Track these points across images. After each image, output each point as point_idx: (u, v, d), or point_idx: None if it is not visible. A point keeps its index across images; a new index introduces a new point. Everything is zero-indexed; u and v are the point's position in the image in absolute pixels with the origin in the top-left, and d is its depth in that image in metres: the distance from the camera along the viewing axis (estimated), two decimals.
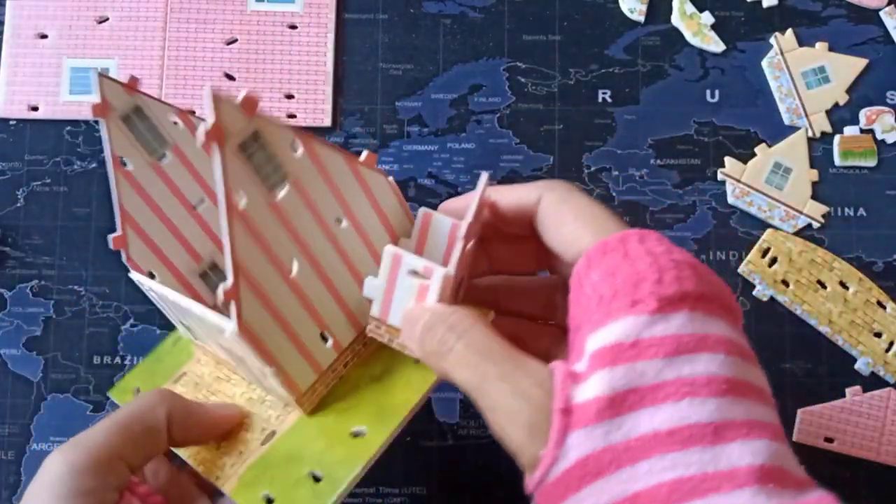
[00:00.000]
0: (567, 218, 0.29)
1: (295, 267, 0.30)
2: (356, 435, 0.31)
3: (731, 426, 0.24)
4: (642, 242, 0.27)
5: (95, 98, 0.32)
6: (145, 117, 0.34)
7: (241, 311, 0.28)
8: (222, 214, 0.27)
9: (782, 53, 0.49)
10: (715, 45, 0.49)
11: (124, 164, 0.34)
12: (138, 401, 0.32)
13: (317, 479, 0.31)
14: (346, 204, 0.31)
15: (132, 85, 0.34)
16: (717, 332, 0.25)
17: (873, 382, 0.47)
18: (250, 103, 0.27)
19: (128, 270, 0.36)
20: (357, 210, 0.32)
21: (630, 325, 0.25)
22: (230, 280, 0.28)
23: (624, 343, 0.25)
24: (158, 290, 0.34)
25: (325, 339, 0.32)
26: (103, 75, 0.33)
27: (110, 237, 0.34)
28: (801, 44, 0.49)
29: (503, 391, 0.26)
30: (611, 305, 0.25)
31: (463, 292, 0.33)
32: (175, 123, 0.36)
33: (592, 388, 0.24)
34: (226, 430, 0.34)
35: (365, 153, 0.32)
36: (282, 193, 0.29)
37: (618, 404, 0.24)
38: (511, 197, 0.31)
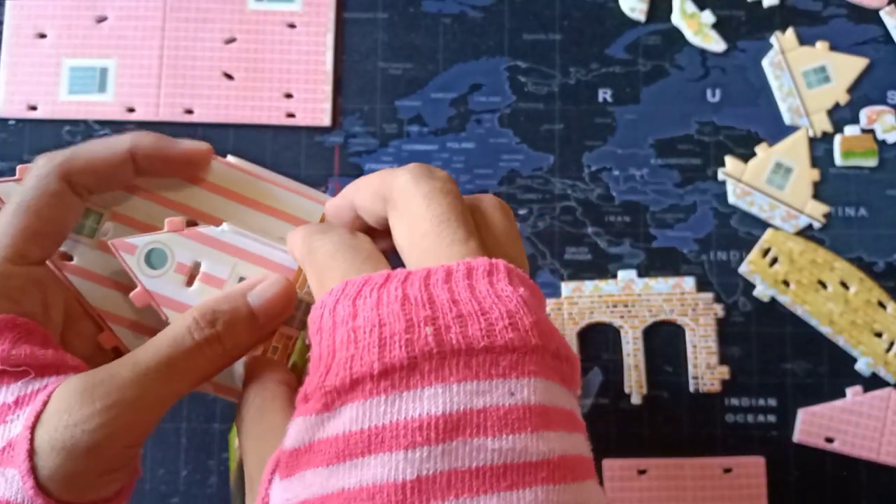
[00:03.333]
0: (402, 231, 0.25)
1: None
2: None
3: None
4: (337, 305, 0.22)
5: None
6: None
7: (126, 348, 0.29)
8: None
9: (783, 53, 0.49)
10: (716, 44, 0.49)
11: (70, 259, 0.31)
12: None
13: None
14: (175, 204, 0.31)
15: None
16: (412, 416, 0.19)
17: (874, 382, 0.47)
18: (25, 173, 0.28)
19: None
20: (198, 202, 0.31)
21: (301, 427, 0.21)
22: (105, 331, 0.29)
23: (301, 448, 0.21)
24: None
25: None
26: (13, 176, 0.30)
27: (100, 338, 0.31)
28: (801, 43, 0.49)
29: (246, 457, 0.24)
30: (298, 398, 0.22)
31: None
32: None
33: (276, 497, 0.21)
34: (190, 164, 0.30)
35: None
36: (107, 233, 0.30)
37: None
38: (364, 201, 0.27)
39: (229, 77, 0.48)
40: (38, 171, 0.28)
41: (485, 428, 0.19)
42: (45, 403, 0.25)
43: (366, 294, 0.22)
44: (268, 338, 0.29)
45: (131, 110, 0.48)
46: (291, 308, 0.29)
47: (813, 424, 0.46)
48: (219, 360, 0.27)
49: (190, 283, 0.29)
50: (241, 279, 0.29)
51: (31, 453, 0.24)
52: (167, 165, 0.30)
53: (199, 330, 0.26)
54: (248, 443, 0.25)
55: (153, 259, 0.29)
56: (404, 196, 0.24)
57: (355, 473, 0.19)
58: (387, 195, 0.25)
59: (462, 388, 0.20)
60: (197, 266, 0.29)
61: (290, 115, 0.48)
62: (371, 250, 0.25)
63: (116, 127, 0.48)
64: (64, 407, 0.24)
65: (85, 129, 0.48)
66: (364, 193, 0.27)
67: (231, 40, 0.49)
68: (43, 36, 0.49)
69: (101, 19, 0.49)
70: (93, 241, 0.31)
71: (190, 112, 0.48)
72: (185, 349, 0.26)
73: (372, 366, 0.20)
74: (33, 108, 0.48)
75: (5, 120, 0.48)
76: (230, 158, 0.32)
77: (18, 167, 0.30)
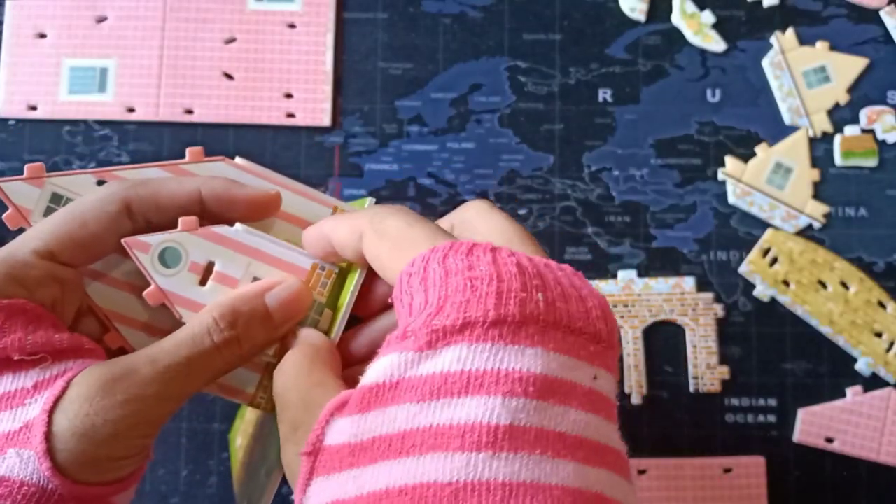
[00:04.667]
0: (384, 249, 0.26)
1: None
2: None
3: (480, 489, 0.19)
4: (446, 259, 0.23)
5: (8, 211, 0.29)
6: (68, 200, 0.31)
7: (132, 349, 0.29)
8: None
9: (783, 53, 0.49)
10: (716, 44, 0.49)
11: None
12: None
13: None
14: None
15: (36, 174, 0.30)
16: (512, 368, 0.20)
17: (874, 382, 0.47)
18: (34, 172, 0.27)
19: None
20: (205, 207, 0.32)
21: (394, 363, 0.21)
22: (111, 331, 0.29)
23: (385, 384, 0.21)
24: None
25: None
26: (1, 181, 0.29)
27: (106, 338, 0.31)
28: (801, 43, 0.49)
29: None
30: (391, 336, 0.23)
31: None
32: (100, 184, 0.32)
33: (343, 432, 0.22)
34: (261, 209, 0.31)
35: (188, 150, 0.31)
36: None
37: (359, 454, 0.21)
38: (340, 237, 0.28)
39: (229, 77, 0.48)
40: (104, 190, 0.29)
41: (571, 398, 0.21)
42: (64, 389, 0.25)
43: (479, 253, 0.23)
44: (279, 340, 0.29)
45: (131, 110, 0.48)
46: (306, 310, 0.29)
47: (813, 424, 0.46)
48: (235, 360, 0.28)
49: (203, 282, 0.29)
50: (255, 279, 0.30)
51: (48, 436, 0.25)
52: (233, 210, 0.30)
53: (218, 331, 0.27)
54: (293, 392, 0.25)
55: (167, 258, 0.29)
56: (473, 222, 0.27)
57: (448, 411, 0.20)
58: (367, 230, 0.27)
59: (558, 357, 0.21)
60: (210, 265, 0.29)
61: (290, 115, 0.48)
62: (440, 226, 0.26)
63: (116, 127, 0.48)
64: (84, 395, 0.25)
65: (85, 129, 0.48)
66: (338, 231, 0.28)
67: (231, 40, 0.49)
68: (43, 36, 0.49)
69: (101, 19, 0.49)
70: None
71: (190, 112, 0.48)
72: (204, 349, 0.27)
73: (487, 313, 0.21)
74: (33, 108, 0.48)
75: (5, 120, 0.48)
76: (238, 160, 0.32)
77: (27, 166, 0.30)
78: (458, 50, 0.49)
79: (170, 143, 0.48)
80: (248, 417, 0.40)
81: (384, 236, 0.26)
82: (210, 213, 0.30)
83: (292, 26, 0.49)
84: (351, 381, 0.25)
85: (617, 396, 0.23)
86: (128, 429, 0.26)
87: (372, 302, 0.30)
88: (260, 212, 0.31)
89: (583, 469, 0.20)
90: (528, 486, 0.19)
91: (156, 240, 0.28)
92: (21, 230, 0.30)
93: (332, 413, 0.22)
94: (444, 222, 0.28)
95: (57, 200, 0.30)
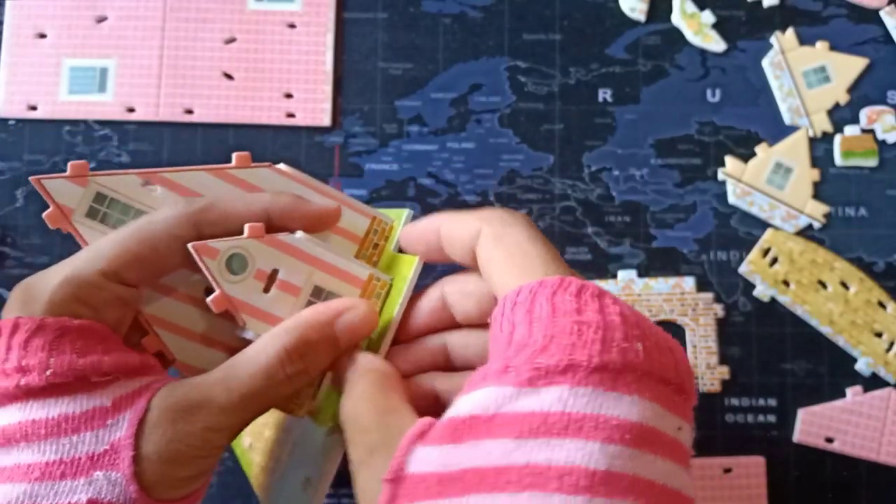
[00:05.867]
0: (498, 257, 0.26)
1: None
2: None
3: None
4: (554, 296, 0.23)
5: (49, 209, 0.29)
6: (113, 201, 0.30)
7: (172, 354, 0.30)
8: None
9: (783, 53, 0.49)
10: (716, 44, 0.49)
11: None
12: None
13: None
14: None
15: (80, 172, 0.29)
16: (611, 414, 0.21)
17: (874, 382, 0.47)
18: (78, 170, 0.27)
19: None
20: None
21: (493, 396, 0.22)
22: (150, 335, 0.29)
23: (481, 416, 0.21)
24: None
25: None
26: (41, 178, 0.28)
27: (144, 341, 0.30)
28: (801, 43, 0.49)
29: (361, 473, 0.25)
30: (489, 368, 0.23)
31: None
32: (146, 186, 0.31)
33: (430, 461, 0.22)
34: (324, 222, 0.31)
35: (234, 156, 0.31)
36: None
37: (448, 484, 0.21)
38: (453, 228, 0.29)
39: (229, 77, 0.48)
40: (173, 210, 0.29)
41: (659, 448, 0.21)
42: (146, 411, 0.26)
43: (587, 297, 0.23)
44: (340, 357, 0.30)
45: (131, 110, 0.48)
46: (370, 333, 0.30)
47: (813, 424, 0.46)
48: (300, 385, 0.29)
49: (267, 289, 0.29)
50: (315, 288, 0.30)
51: (136, 459, 0.26)
52: (300, 223, 0.31)
53: (290, 364, 0.28)
54: (369, 415, 0.26)
55: (234, 264, 0.28)
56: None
57: (546, 451, 0.20)
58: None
59: (652, 406, 0.22)
60: (274, 273, 0.29)
61: (290, 115, 0.48)
62: (554, 249, 0.27)
63: (116, 127, 0.48)
64: (167, 419, 0.26)
65: (85, 129, 0.48)
66: (453, 223, 0.29)
67: (231, 40, 0.49)
68: (43, 36, 0.49)
69: (101, 19, 0.49)
70: None
71: (190, 112, 0.48)
72: (277, 381, 0.27)
73: (591, 359, 0.21)
74: (33, 108, 0.48)
75: (5, 120, 0.48)
76: (283, 167, 0.32)
77: (70, 164, 0.29)
78: (458, 50, 0.49)
79: (170, 144, 0.48)
80: (259, 420, 0.39)
81: (501, 242, 0.26)
82: (276, 228, 0.30)
83: (292, 26, 0.49)
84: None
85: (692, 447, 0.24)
86: (205, 453, 0.27)
87: (410, 320, 0.31)
88: (320, 226, 0.31)
89: None
90: None
91: (224, 246, 0.28)
92: (69, 237, 0.29)
93: (414, 441, 0.22)
94: (471, 225, 0.28)
95: (101, 200, 0.30)
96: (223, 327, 0.31)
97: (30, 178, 0.29)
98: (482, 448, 0.21)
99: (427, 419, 0.23)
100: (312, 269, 0.30)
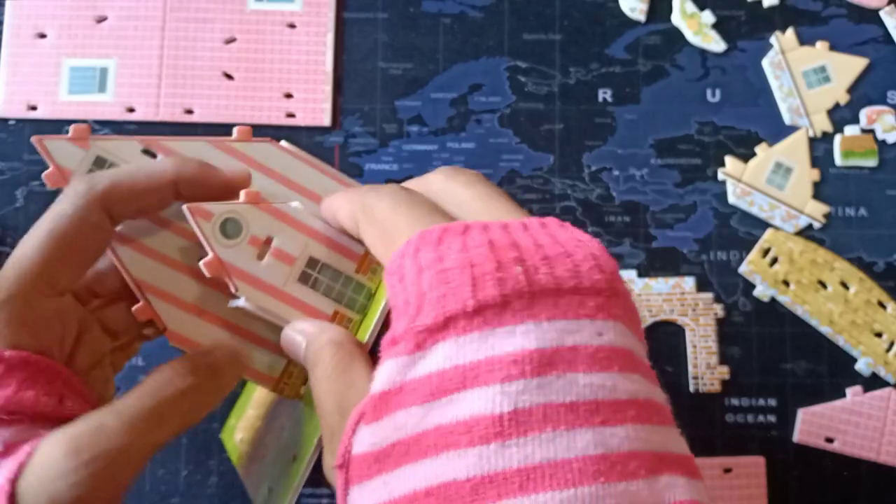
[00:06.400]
0: (373, 235, 0.25)
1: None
2: None
3: (497, 479, 0.19)
4: (418, 253, 0.22)
5: (48, 168, 0.29)
6: (112, 165, 0.30)
7: (163, 323, 0.29)
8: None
9: (783, 53, 0.49)
10: (716, 44, 0.49)
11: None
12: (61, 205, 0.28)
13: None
14: None
15: (82, 135, 0.29)
16: (504, 351, 0.20)
17: (874, 382, 0.47)
18: (80, 133, 0.27)
19: None
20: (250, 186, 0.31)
21: (393, 369, 0.21)
22: (140, 301, 0.29)
23: (391, 390, 0.21)
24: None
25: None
26: (42, 138, 0.29)
27: (134, 310, 0.30)
28: (801, 43, 0.49)
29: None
30: (384, 341, 0.22)
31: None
32: (146, 153, 0.31)
33: (365, 441, 0.21)
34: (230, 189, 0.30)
35: (236, 129, 0.31)
36: None
37: (382, 461, 0.21)
38: (340, 218, 0.28)
39: (229, 77, 0.48)
40: (76, 198, 0.27)
41: (576, 364, 0.20)
42: (30, 455, 0.24)
43: (449, 240, 0.22)
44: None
45: (131, 110, 0.48)
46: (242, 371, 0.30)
47: (813, 424, 0.46)
48: (208, 402, 0.27)
49: (261, 257, 0.29)
50: (311, 259, 0.29)
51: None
52: (206, 193, 0.30)
53: (180, 378, 0.26)
54: (328, 398, 0.25)
55: (228, 228, 0.28)
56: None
57: (451, 409, 0.20)
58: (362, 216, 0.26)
59: (553, 325, 0.20)
60: (269, 240, 0.29)
61: (290, 115, 0.48)
62: (431, 203, 0.25)
63: (116, 127, 0.48)
64: (49, 460, 0.24)
65: None
66: (342, 214, 0.27)
67: (231, 40, 0.49)
68: (43, 36, 0.49)
69: (101, 19, 0.49)
70: None
71: (190, 112, 0.48)
72: (167, 397, 0.26)
73: (466, 303, 0.20)
74: (33, 108, 0.48)
75: (5, 120, 0.48)
76: (284, 143, 0.32)
77: (72, 126, 0.29)
78: (458, 50, 0.49)
79: None
80: (250, 413, 0.39)
81: (373, 222, 0.25)
82: (184, 197, 0.29)
83: (292, 26, 0.49)
84: None
85: (637, 345, 0.22)
86: (92, 490, 0.24)
87: None
88: (231, 193, 0.30)
89: (603, 432, 0.19)
90: (544, 466, 0.18)
91: (219, 209, 0.28)
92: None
93: (357, 422, 0.22)
94: (345, 205, 0.27)
95: (101, 164, 0.30)
96: (216, 299, 0.31)
97: (31, 138, 0.29)
98: (399, 420, 0.20)
99: (365, 400, 0.22)
100: (308, 239, 0.29)
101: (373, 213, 0.25)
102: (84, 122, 0.48)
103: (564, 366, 0.20)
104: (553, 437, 0.19)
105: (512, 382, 0.19)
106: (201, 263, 0.28)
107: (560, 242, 0.22)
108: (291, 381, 0.32)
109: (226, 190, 0.30)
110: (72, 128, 0.29)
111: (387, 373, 0.21)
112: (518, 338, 0.20)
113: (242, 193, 0.29)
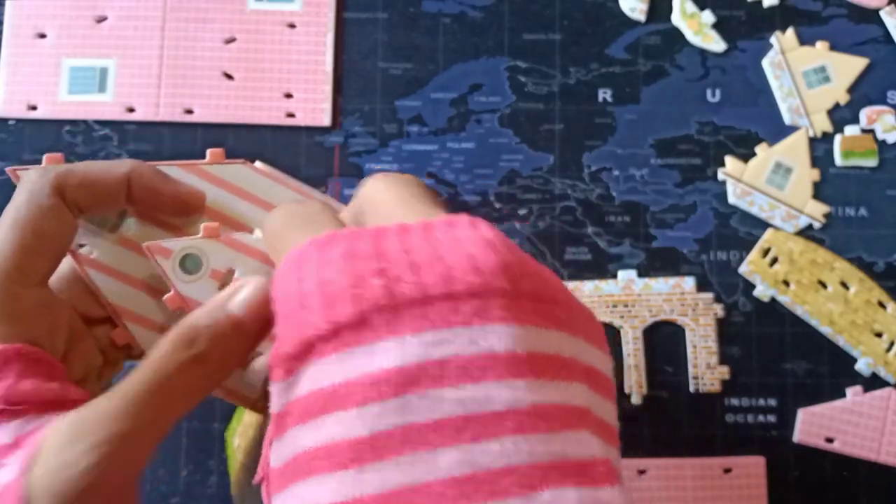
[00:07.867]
0: (274, 258, 0.24)
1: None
2: None
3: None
4: (281, 278, 0.21)
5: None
6: None
7: (140, 347, 0.30)
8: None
9: (783, 53, 0.49)
10: (716, 44, 0.49)
11: (80, 247, 0.31)
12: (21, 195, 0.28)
13: None
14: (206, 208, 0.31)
15: (54, 162, 0.30)
16: (363, 372, 0.18)
17: (874, 382, 0.47)
18: (53, 162, 0.28)
19: None
20: (223, 207, 0.32)
21: (276, 394, 0.20)
22: (118, 327, 0.29)
23: (280, 412, 0.20)
24: None
25: None
26: (16, 169, 0.29)
27: (112, 334, 0.31)
28: (801, 43, 0.49)
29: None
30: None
31: None
32: None
33: (274, 458, 0.21)
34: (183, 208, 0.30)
35: (208, 152, 0.32)
36: (130, 229, 0.30)
37: (282, 477, 0.20)
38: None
39: (229, 77, 0.48)
40: (31, 185, 0.28)
41: (442, 379, 0.18)
42: (38, 446, 0.24)
43: (309, 255, 0.20)
44: (261, 340, 0.29)
45: (131, 110, 0.48)
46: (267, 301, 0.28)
47: (813, 424, 0.46)
48: (209, 376, 0.26)
49: (222, 288, 0.29)
50: None
51: (25, 500, 0.23)
52: (158, 201, 0.30)
53: (177, 352, 0.25)
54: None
55: (188, 264, 0.28)
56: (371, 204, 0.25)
57: (313, 434, 0.19)
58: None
59: (418, 338, 0.18)
60: (230, 272, 0.29)
61: (290, 115, 0.48)
62: (316, 212, 0.24)
63: (116, 127, 0.48)
64: (56, 449, 0.23)
65: (85, 129, 0.48)
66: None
67: (231, 40, 0.49)
68: (43, 36, 0.49)
69: (101, 19, 0.49)
70: (114, 237, 0.31)
71: (190, 112, 0.48)
72: (167, 373, 0.25)
73: (319, 327, 0.19)
74: (33, 108, 0.48)
75: (5, 120, 0.48)
76: (258, 164, 0.32)
77: (46, 156, 0.30)
78: (458, 50, 0.49)
79: (170, 144, 0.48)
80: (246, 420, 0.39)
81: (271, 246, 0.24)
82: (136, 199, 0.30)
83: (292, 26, 0.49)
84: None
85: (545, 340, 0.20)
86: (103, 475, 0.23)
87: None
88: (183, 210, 0.30)
89: (472, 450, 0.18)
90: (402, 491, 0.17)
91: (177, 246, 0.28)
92: None
93: (270, 440, 0.21)
94: (350, 209, 0.26)
95: None
96: None
97: (6, 169, 0.29)
98: (286, 441, 0.20)
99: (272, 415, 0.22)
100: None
101: (268, 235, 0.25)
102: (84, 121, 0.48)
103: (429, 382, 0.18)
104: (413, 460, 0.18)
105: (368, 406, 0.18)
106: (164, 299, 0.29)
107: (433, 245, 0.20)
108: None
109: (177, 204, 0.30)
110: (45, 157, 0.30)
111: (275, 398, 0.21)
112: (378, 357, 0.18)
113: (202, 227, 0.29)
